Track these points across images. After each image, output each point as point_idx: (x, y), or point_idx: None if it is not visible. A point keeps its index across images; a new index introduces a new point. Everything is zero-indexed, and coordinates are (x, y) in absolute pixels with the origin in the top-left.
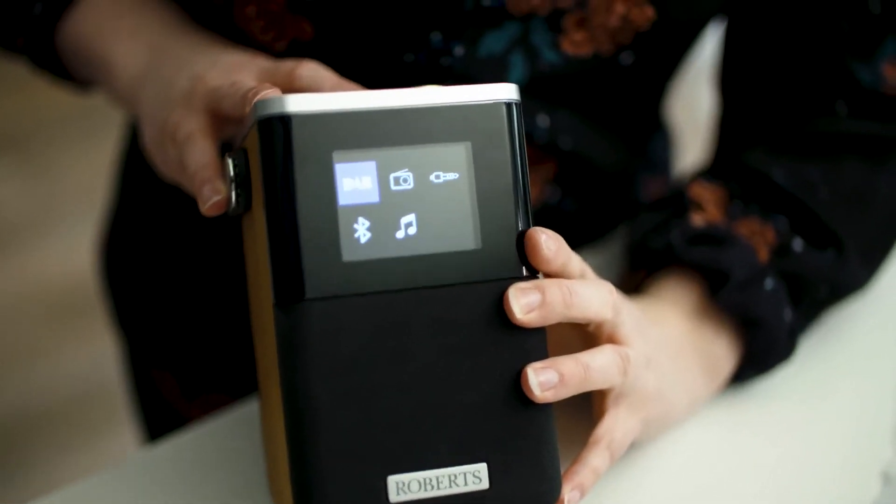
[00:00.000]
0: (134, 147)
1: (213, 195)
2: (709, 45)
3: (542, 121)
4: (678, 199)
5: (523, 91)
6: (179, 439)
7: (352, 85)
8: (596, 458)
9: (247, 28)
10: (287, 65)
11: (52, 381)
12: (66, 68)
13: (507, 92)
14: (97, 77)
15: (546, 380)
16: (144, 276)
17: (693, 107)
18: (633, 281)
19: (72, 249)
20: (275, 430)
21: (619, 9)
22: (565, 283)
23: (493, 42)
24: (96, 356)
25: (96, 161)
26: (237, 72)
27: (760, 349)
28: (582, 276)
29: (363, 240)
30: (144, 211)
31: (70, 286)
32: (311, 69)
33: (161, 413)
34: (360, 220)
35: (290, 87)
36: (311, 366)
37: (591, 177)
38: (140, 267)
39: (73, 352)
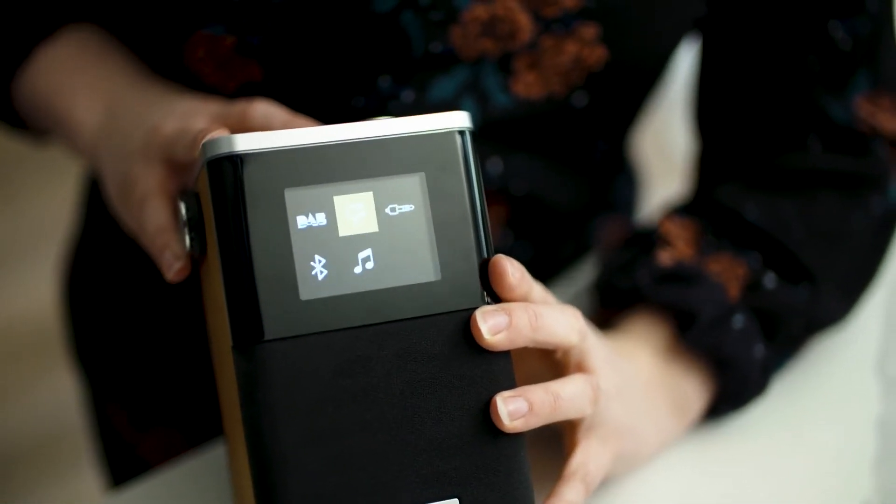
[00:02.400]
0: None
1: (175, 262)
2: (679, 80)
3: (495, 165)
4: (646, 236)
5: (475, 135)
6: (146, 484)
7: (303, 120)
8: (571, 492)
9: (197, 70)
10: (238, 106)
11: (16, 422)
12: (22, 119)
13: (458, 120)
14: (57, 131)
15: (515, 409)
16: (105, 306)
17: (665, 141)
18: (602, 318)
19: (36, 286)
20: (242, 472)
21: (571, 49)
22: (531, 307)
23: (443, 87)
24: (61, 396)
25: (62, 194)
26: (190, 118)
27: (732, 387)
28: (544, 303)
29: (320, 277)
30: (108, 240)
31: (34, 324)
32: (261, 108)
33: (116, 448)
34: (317, 257)
35: (242, 129)
36: (273, 409)
37: (545, 219)
38: (101, 298)
39: (37, 392)
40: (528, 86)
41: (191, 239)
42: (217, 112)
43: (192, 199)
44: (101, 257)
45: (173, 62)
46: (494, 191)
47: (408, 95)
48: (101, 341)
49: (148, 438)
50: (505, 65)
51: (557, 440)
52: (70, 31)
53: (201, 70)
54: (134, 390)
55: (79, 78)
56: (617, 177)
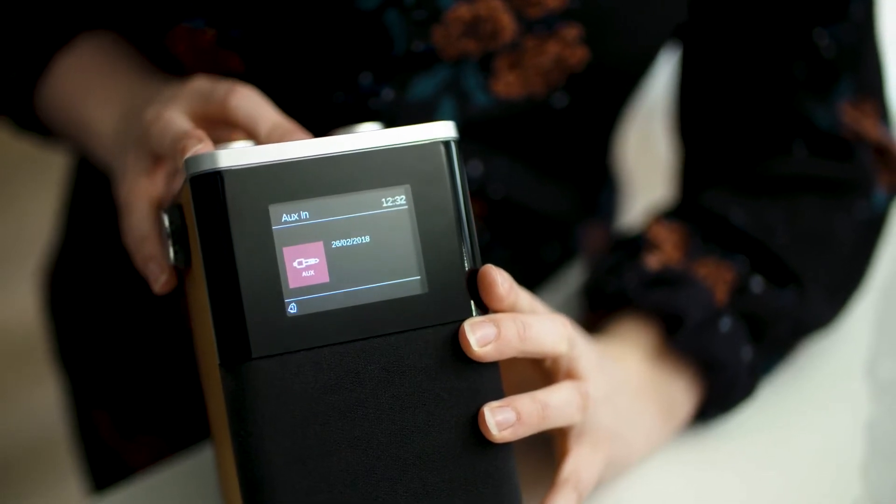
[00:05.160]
0: (81, 184)
1: (161, 274)
2: (661, 85)
3: (475, 168)
4: (633, 240)
5: (460, 143)
6: (129, 489)
7: (289, 124)
8: (564, 500)
9: (180, 59)
10: (220, 90)
11: (8, 427)
12: (45, 127)
13: (443, 130)
14: (77, 137)
15: (503, 419)
16: (88, 312)
17: (648, 147)
18: (590, 322)
19: (29, 291)
20: (230, 483)
21: (553, 49)
22: (520, 317)
23: (423, 86)
24: (54, 401)
25: (48, 201)
26: (168, 102)
27: (720, 389)
28: (532, 312)
29: (307, 293)
30: (91, 246)
31: (26, 328)
32: (246, 99)
33: (101, 455)
34: (303, 273)
35: (225, 120)
36: (262, 426)
37: (523, 222)
38: (84, 303)
39: (29, 397)
40: (508, 85)
41: (175, 252)
42: (199, 94)
43: (176, 212)
44: (84, 263)
45: (159, 53)
46: (472, 191)
47: (388, 93)
48: (84, 347)
49: (133, 446)
50: (486, 64)
51: (548, 447)
52: (85, 38)
53: (184, 60)
54: (118, 397)
55: (95, 84)
56: (599, 183)
